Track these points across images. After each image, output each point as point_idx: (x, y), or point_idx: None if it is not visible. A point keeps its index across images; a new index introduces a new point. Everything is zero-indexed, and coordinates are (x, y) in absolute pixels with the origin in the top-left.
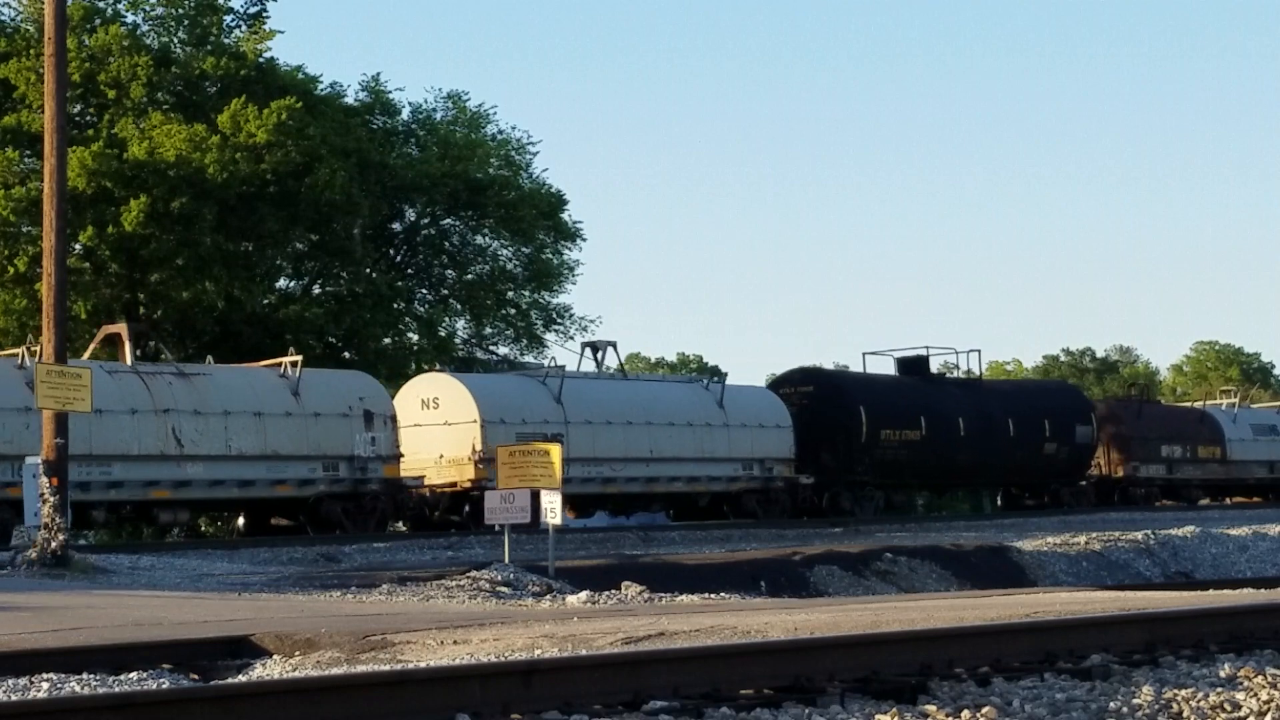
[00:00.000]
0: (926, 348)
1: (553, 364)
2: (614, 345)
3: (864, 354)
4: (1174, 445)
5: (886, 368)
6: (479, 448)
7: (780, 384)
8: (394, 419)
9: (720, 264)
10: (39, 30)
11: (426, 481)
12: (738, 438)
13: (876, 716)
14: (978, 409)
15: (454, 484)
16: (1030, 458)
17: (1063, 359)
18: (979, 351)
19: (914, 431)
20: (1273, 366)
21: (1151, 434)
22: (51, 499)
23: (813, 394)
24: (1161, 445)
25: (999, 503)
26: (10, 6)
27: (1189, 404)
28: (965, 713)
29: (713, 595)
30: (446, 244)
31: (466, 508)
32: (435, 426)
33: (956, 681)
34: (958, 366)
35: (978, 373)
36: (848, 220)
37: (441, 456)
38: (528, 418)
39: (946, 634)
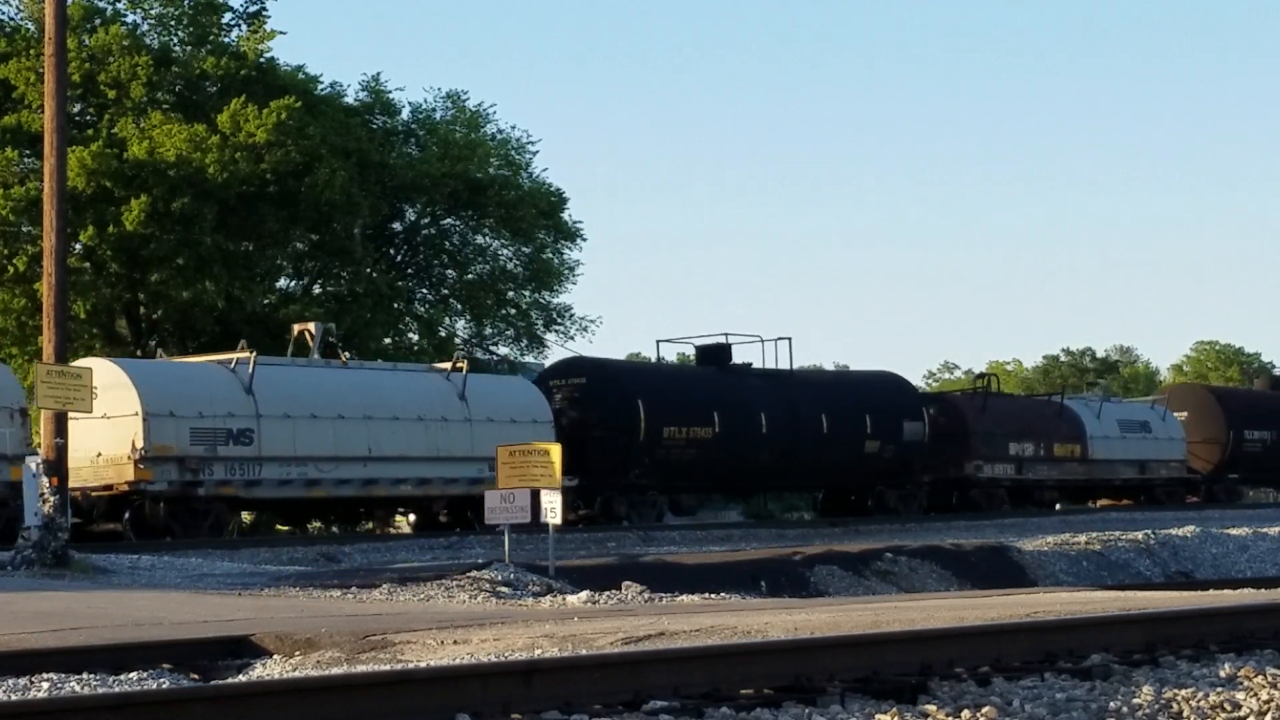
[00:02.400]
0: (725, 334)
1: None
2: (330, 329)
3: (658, 341)
4: (1024, 442)
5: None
6: (140, 445)
7: (549, 375)
8: (24, 411)
9: (723, 264)
10: (39, 30)
11: (83, 483)
12: (483, 434)
13: (877, 716)
14: (785, 403)
15: (110, 487)
16: (849, 458)
17: (1063, 359)
18: (789, 340)
19: (705, 429)
20: (1273, 366)
21: (998, 430)
22: (52, 498)
23: (584, 386)
24: (1010, 443)
25: (817, 509)
26: (10, 6)
27: (1046, 396)
28: (965, 712)
29: (713, 595)
30: (446, 244)
31: (126, 514)
32: (94, 420)
33: (957, 681)
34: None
35: (789, 364)
36: (848, 220)
37: (100, 455)
38: (206, 410)
39: (946, 634)
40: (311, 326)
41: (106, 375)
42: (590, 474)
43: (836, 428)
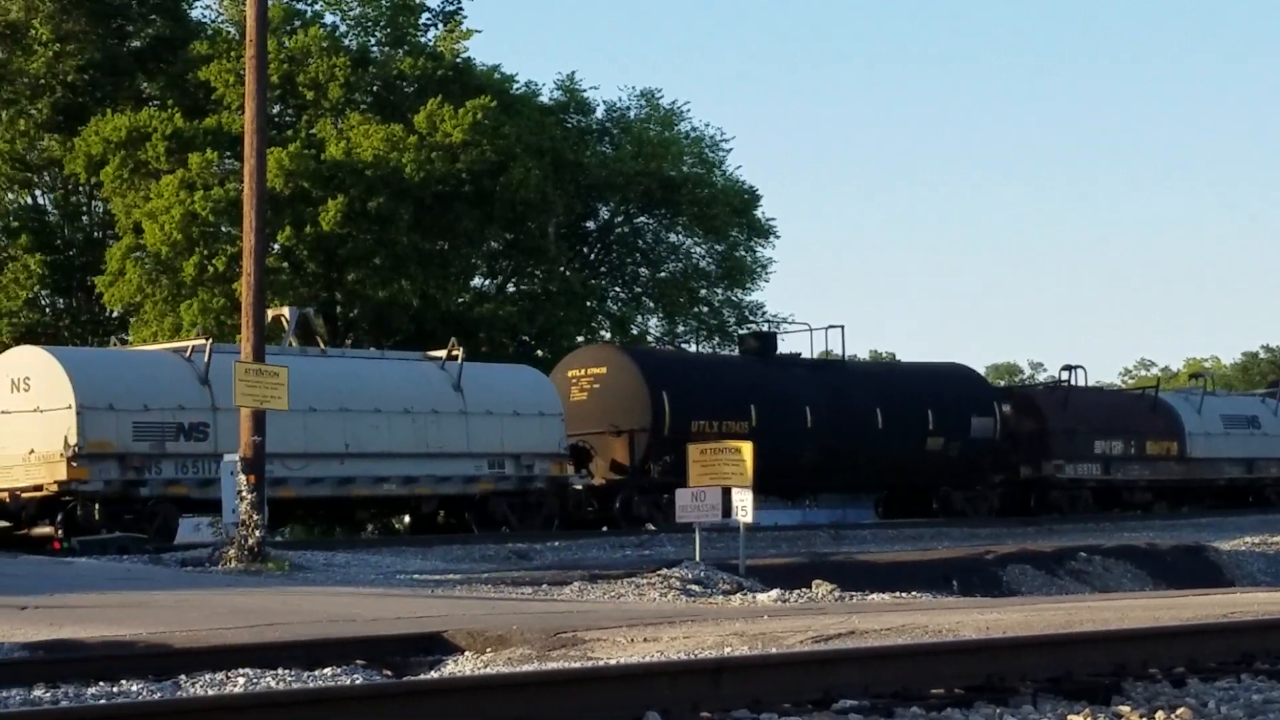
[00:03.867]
0: (771, 320)
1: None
2: (309, 314)
3: (696, 328)
4: (1113, 440)
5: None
6: (73, 441)
7: (568, 365)
8: None
9: (916, 259)
10: (239, 32)
11: (14, 483)
12: (481, 429)
13: (1069, 717)
14: (834, 396)
15: (39, 487)
16: (908, 456)
17: (1262, 355)
18: (841, 328)
19: (740, 423)
20: None
21: (1082, 427)
22: (249, 496)
23: (604, 377)
24: (1096, 440)
25: (879, 510)
26: (211, 9)
27: (1139, 390)
28: (1160, 714)
29: (904, 594)
30: (640, 242)
31: (60, 517)
32: (26, 414)
33: (1151, 682)
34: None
35: (841, 354)
36: (1037, 213)
37: (32, 452)
38: (153, 403)
39: (1141, 634)
40: (285, 311)
41: (38, 364)
42: (615, 471)
43: (893, 423)
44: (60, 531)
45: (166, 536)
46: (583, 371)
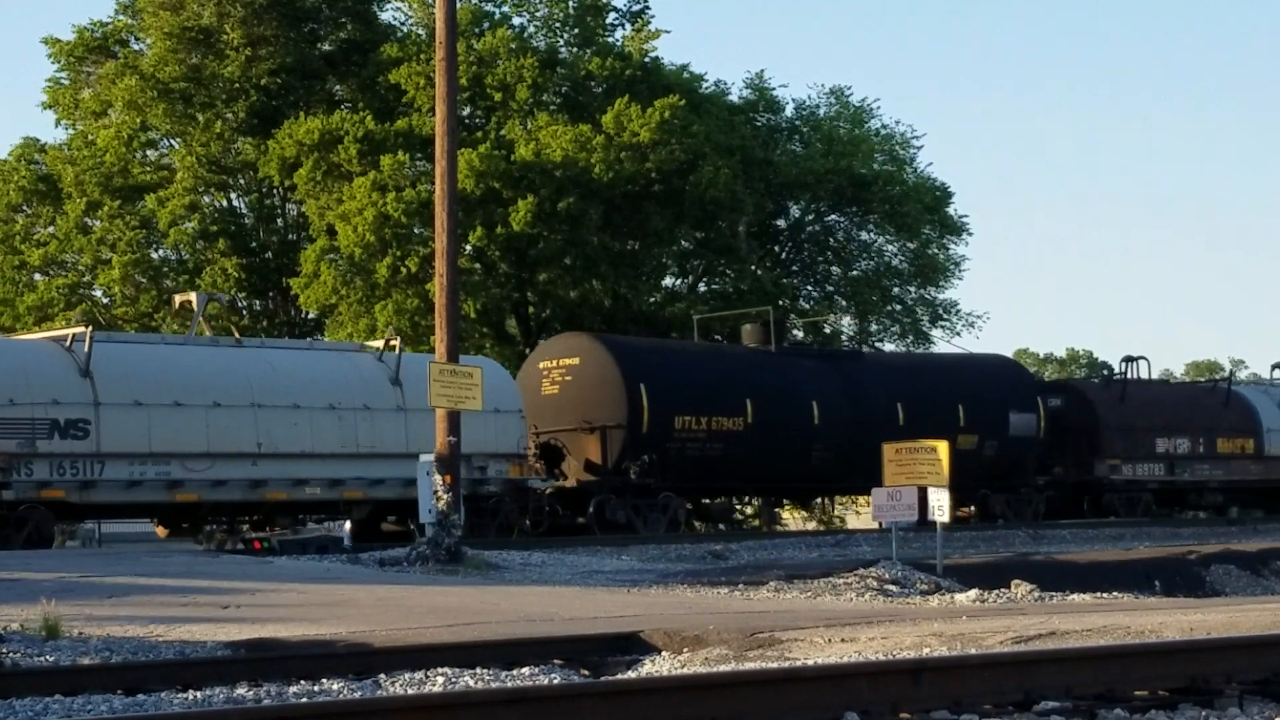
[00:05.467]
0: (776, 306)
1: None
2: (218, 299)
3: (694, 318)
4: (1178, 437)
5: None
6: None
7: (539, 356)
8: None
9: (1113, 255)
10: (429, 35)
11: None
12: (424, 426)
13: (1276, 719)
14: (847, 389)
15: None
16: None
17: None
18: (852, 313)
19: (733, 419)
20: None
21: (1140, 423)
22: (445, 496)
23: (578, 368)
24: (1157, 438)
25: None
26: (401, 12)
27: (1211, 382)
28: None
29: (1105, 594)
30: (831, 240)
31: None
32: None
33: None
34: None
35: (860, 343)
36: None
37: None
38: (21, 396)
39: None
40: (193, 297)
41: None
42: (591, 471)
43: (917, 419)
44: None
45: (39, 544)
46: (554, 363)
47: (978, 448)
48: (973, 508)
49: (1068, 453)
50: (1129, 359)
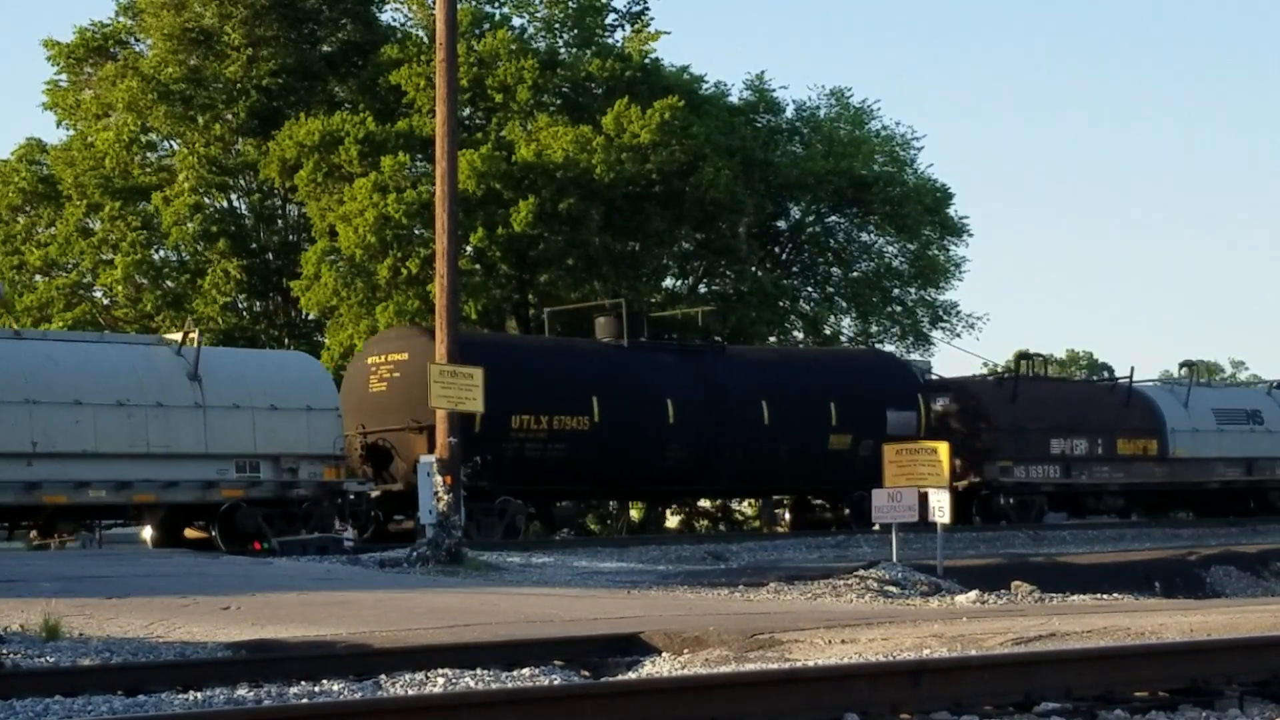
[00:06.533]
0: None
1: None
2: None
3: (547, 311)
4: (1075, 438)
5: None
6: None
7: (367, 351)
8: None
9: (1115, 257)
10: (429, 37)
11: None
12: (225, 425)
13: None
14: (707, 387)
15: None
16: (806, 456)
17: None
18: (715, 308)
19: (579, 418)
20: None
21: (1034, 423)
22: (446, 497)
23: (406, 364)
24: (1052, 439)
25: (786, 517)
26: (401, 14)
27: (1111, 380)
28: None
29: (1105, 595)
30: (831, 241)
31: None
32: None
33: None
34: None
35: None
36: (1249, 213)
37: None
38: None
39: None
40: None
41: None
42: (413, 474)
43: (784, 418)
44: None
45: None
46: (383, 358)
47: (852, 448)
48: (847, 510)
49: (956, 455)
50: (1024, 356)
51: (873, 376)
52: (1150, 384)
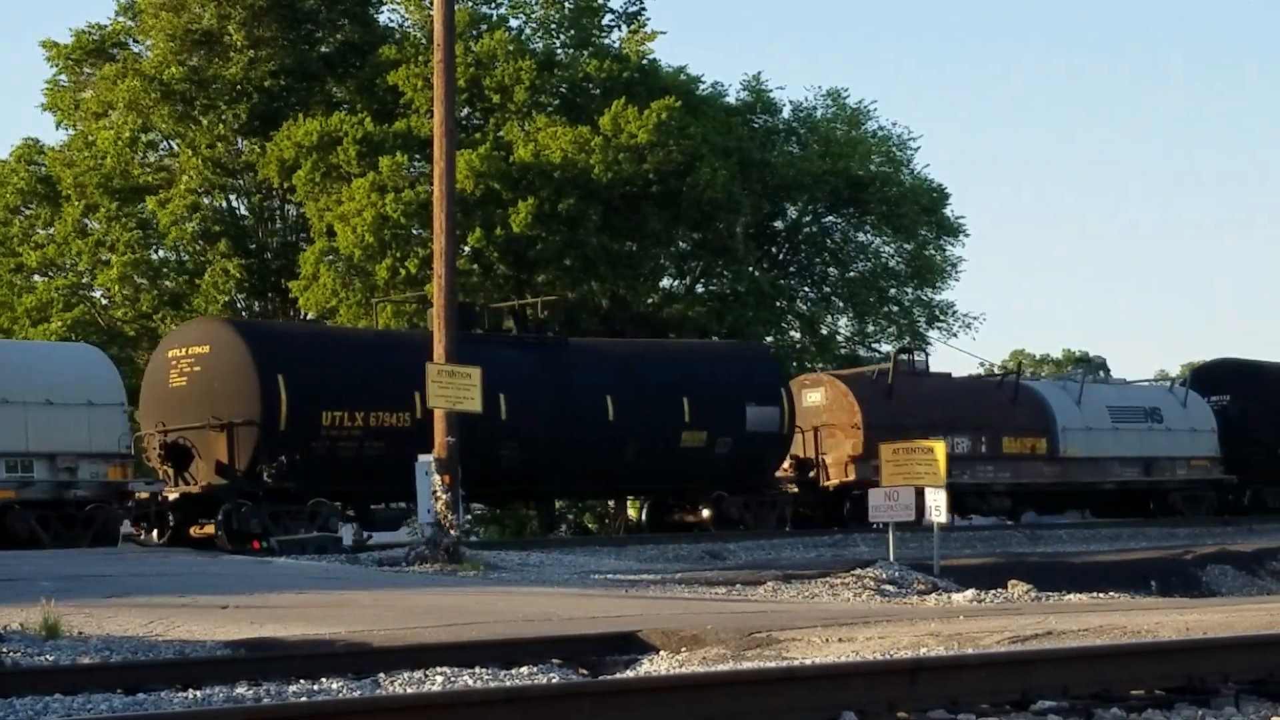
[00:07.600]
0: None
1: None
2: None
3: (373, 301)
4: (957, 436)
5: None
6: None
7: (167, 344)
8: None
9: (1112, 257)
10: (427, 38)
11: None
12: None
13: (1273, 718)
14: (548, 381)
15: None
16: (657, 455)
17: None
18: (555, 299)
19: (398, 414)
20: None
21: (910, 420)
22: (444, 496)
23: (207, 357)
24: (932, 437)
25: (641, 517)
26: (399, 14)
27: (999, 376)
28: None
29: (1101, 594)
30: (828, 241)
31: None
32: None
33: None
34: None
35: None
36: (1249, 213)
37: None
38: None
39: None
40: None
41: None
42: (215, 475)
43: (632, 414)
44: None
45: None
46: (183, 351)
47: (708, 446)
48: (706, 513)
49: (827, 452)
50: (904, 350)
51: (731, 370)
52: (1041, 380)
